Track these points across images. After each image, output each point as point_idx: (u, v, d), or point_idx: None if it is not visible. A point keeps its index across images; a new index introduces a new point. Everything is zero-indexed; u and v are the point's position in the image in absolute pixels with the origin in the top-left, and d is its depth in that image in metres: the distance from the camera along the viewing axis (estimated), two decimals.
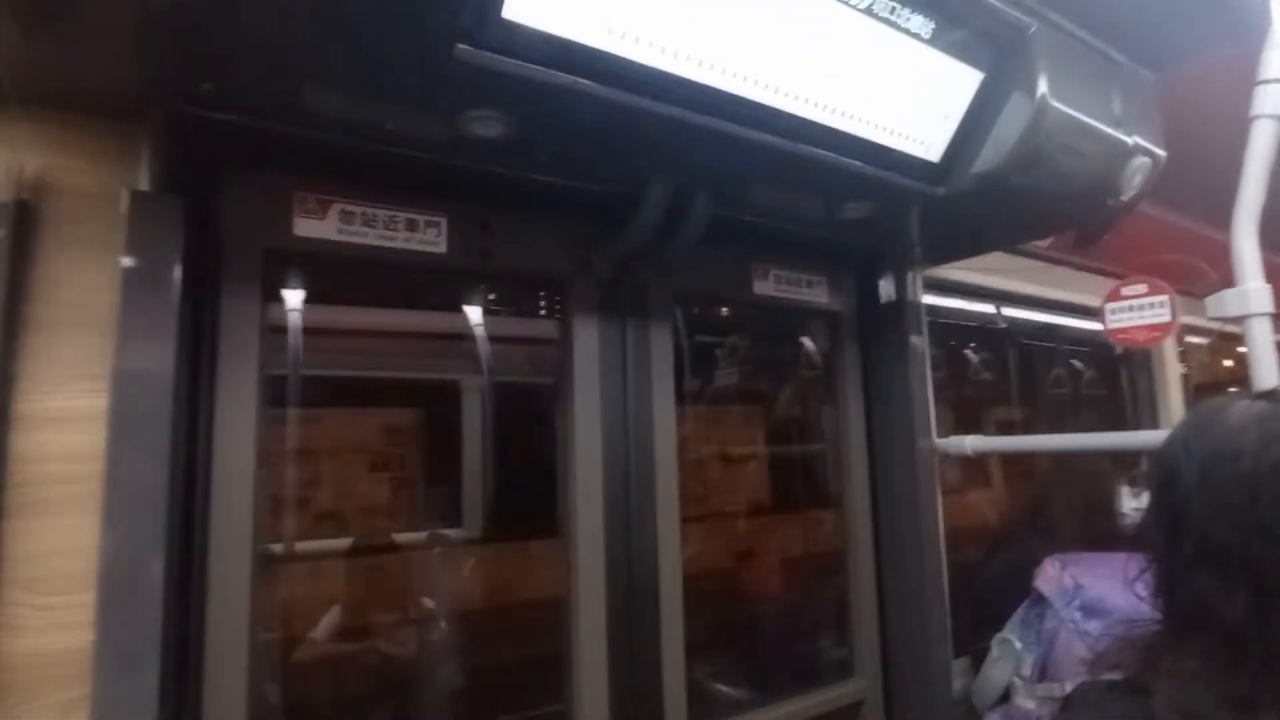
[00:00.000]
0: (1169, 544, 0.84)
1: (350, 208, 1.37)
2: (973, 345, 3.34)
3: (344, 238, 1.35)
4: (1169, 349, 3.24)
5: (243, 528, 1.21)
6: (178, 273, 1.09)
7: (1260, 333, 1.43)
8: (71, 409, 1.07)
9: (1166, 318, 1.69)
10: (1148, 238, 2.47)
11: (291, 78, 1.07)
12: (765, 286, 1.91)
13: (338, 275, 1.67)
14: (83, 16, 0.90)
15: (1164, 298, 1.70)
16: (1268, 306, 1.43)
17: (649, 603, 1.60)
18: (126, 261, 1.05)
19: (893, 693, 2.05)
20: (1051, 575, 1.90)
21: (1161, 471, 0.88)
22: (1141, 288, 1.73)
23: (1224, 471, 0.81)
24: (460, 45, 0.97)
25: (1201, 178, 1.88)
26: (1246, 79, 1.58)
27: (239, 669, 1.19)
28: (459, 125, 1.19)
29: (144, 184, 1.10)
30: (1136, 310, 1.73)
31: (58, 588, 1.04)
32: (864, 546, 2.06)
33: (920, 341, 2.13)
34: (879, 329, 2.12)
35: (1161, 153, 1.68)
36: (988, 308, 2.88)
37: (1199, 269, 2.02)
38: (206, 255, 1.22)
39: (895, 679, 2.05)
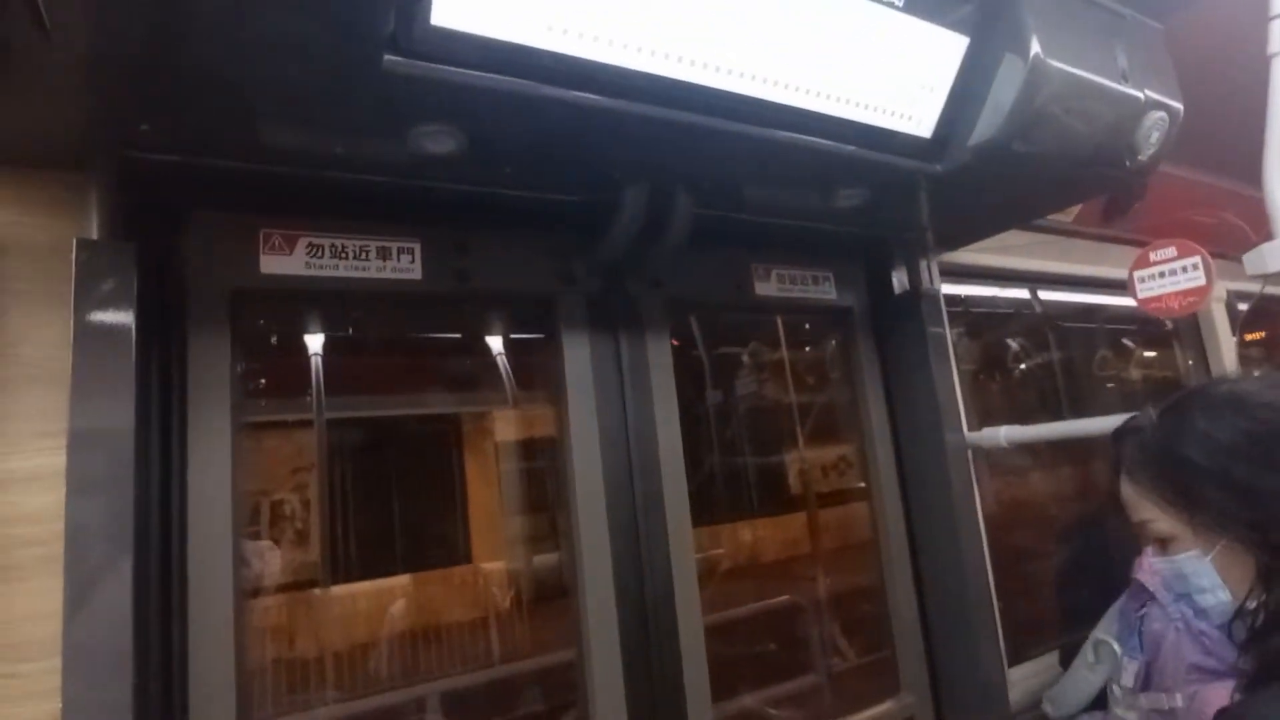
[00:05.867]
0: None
1: (317, 240, 1.33)
2: (1009, 334, 3.19)
3: (312, 272, 1.31)
4: (1219, 317, 3.02)
5: (223, 584, 1.16)
6: (132, 321, 1.05)
7: None
8: (34, 468, 1.04)
9: (1201, 281, 1.55)
10: (1176, 200, 2.32)
11: (227, 111, 1.03)
12: (767, 287, 1.82)
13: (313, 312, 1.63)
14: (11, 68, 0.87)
15: (1196, 259, 1.56)
16: None
17: (666, 629, 1.51)
18: (77, 312, 1.02)
19: (943, 707, 1.92)
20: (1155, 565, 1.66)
21: None
22: (1171, 251, 1.60)
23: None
24: (388, 56, 0.93)
25: (1227, 129, 1.76)
26: (1261, 18, 1.46)
27: None
28: (410, 143, 1.14)
29: (94, 233, 1.07)
30: (1168, 276, 1.60)
31: (28, 654, 1.00)
32: (898, 551, 1.94)
33: (941, 332, 2.02)
34: (895, 322, 2.01)
35: (1178, 105, 1.56)
36: (1016, 292, 2.73)
37: (1235, 227, 1.88)
38: (168, 301, 1.19)
39: (945, 692, 1.92)
